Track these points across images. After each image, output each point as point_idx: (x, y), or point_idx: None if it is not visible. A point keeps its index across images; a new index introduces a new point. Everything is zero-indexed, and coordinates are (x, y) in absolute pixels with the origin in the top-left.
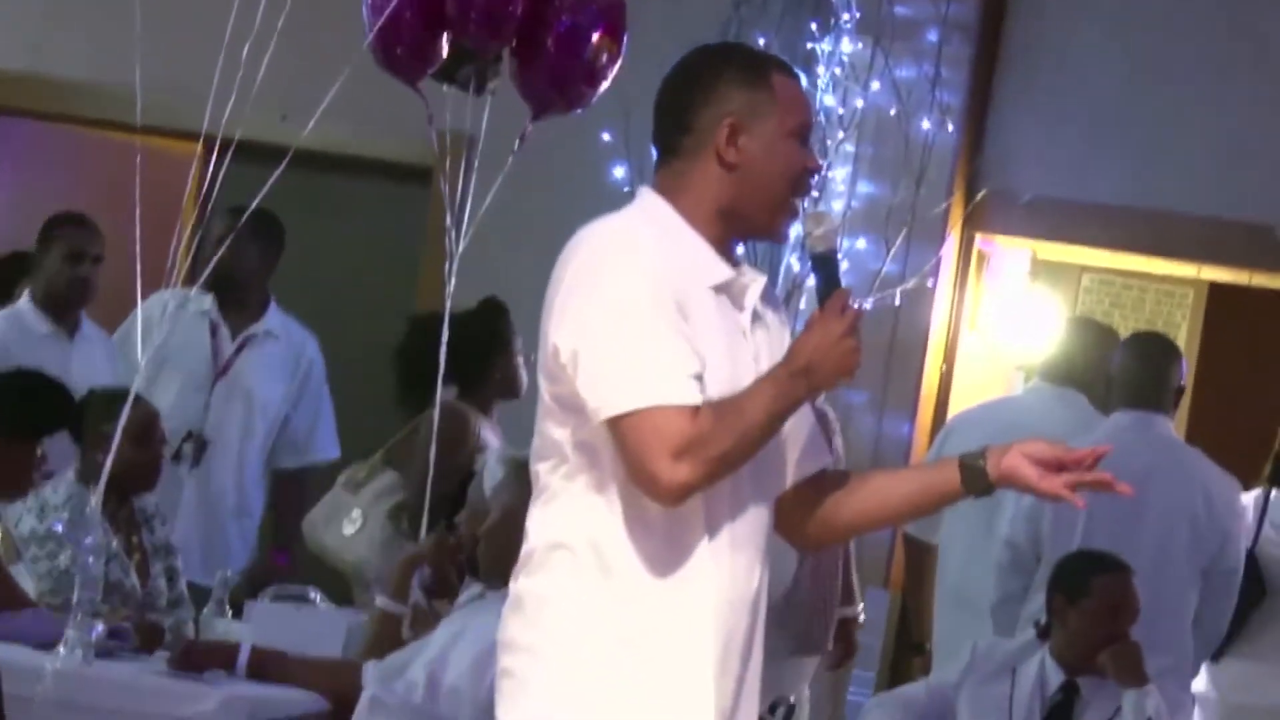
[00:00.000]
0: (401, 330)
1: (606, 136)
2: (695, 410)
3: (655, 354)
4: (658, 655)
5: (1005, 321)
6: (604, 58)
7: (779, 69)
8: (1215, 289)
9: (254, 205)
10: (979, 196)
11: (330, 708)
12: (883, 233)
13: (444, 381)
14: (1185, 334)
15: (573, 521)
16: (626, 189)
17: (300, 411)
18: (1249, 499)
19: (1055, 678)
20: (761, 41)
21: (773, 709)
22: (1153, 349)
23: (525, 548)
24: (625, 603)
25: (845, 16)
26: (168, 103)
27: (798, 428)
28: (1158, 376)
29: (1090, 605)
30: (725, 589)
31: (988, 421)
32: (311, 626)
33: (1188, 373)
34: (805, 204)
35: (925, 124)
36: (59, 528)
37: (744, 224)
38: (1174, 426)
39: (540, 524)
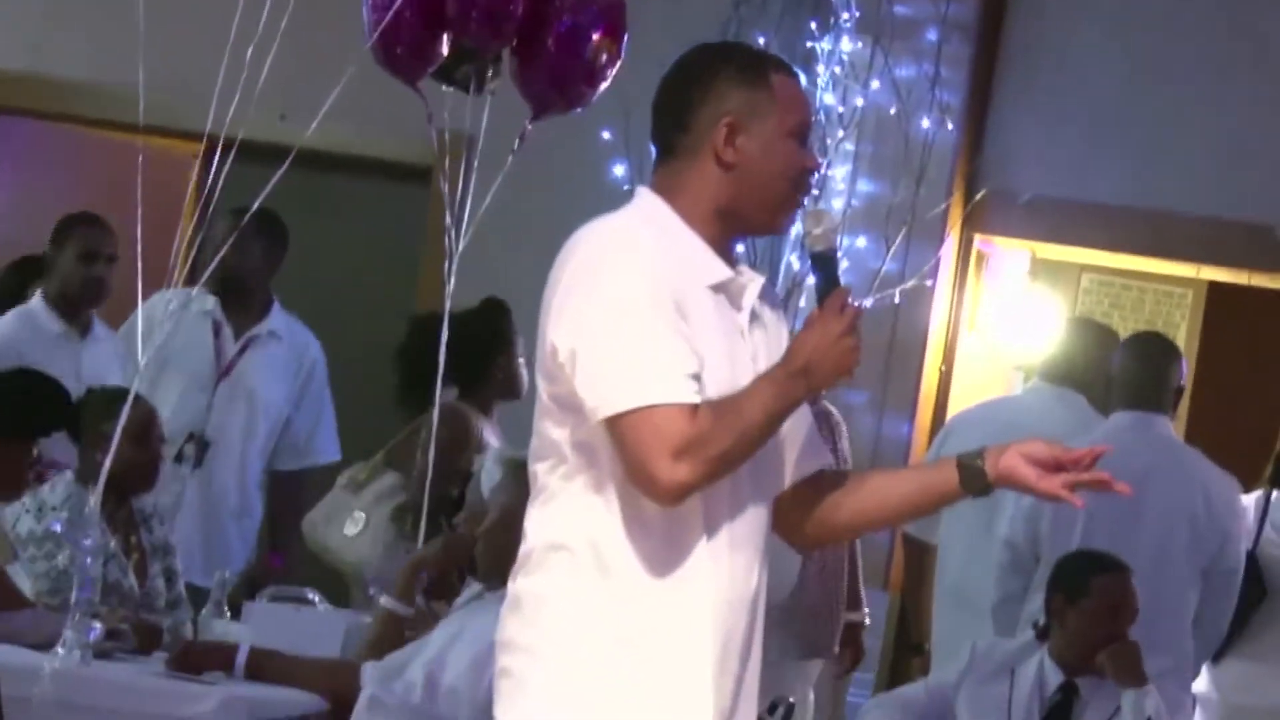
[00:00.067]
0: (401, 330)
1: (606, 135)
2: (694, 410)
3: (654, 353)
4: (656, 655)
5: (1005, 322)
6: (604, 58)
7: (778, 68)
8: (1215, 289)
9: (256, 205)
10: (978, 196)
11: (329, 708)
12: (883, 231)
13: (445, 382)
14: (1185, 334)
15: (571, 521)
16: (626, 188)
17: (301, 413)
18: (1250, 500)
19: (1054, 678)
20: (761, 40)
21: (772, 709)
22: (1152, 349)
23: (523, 548)
24: (624, 602)
25: (845, 16)
26: (167, 103)
27: (796, 427)
28: (1157, 377)
29: (1089, 605)
30: (724, 589)
31: (987, 422)
32: (310, 627)
33: (1187, 373)
34: (805, 202)
35: (925, 123)
36: (57, 528)
37: (742, 223)
38: (1174, 427)
39: (538, 524)
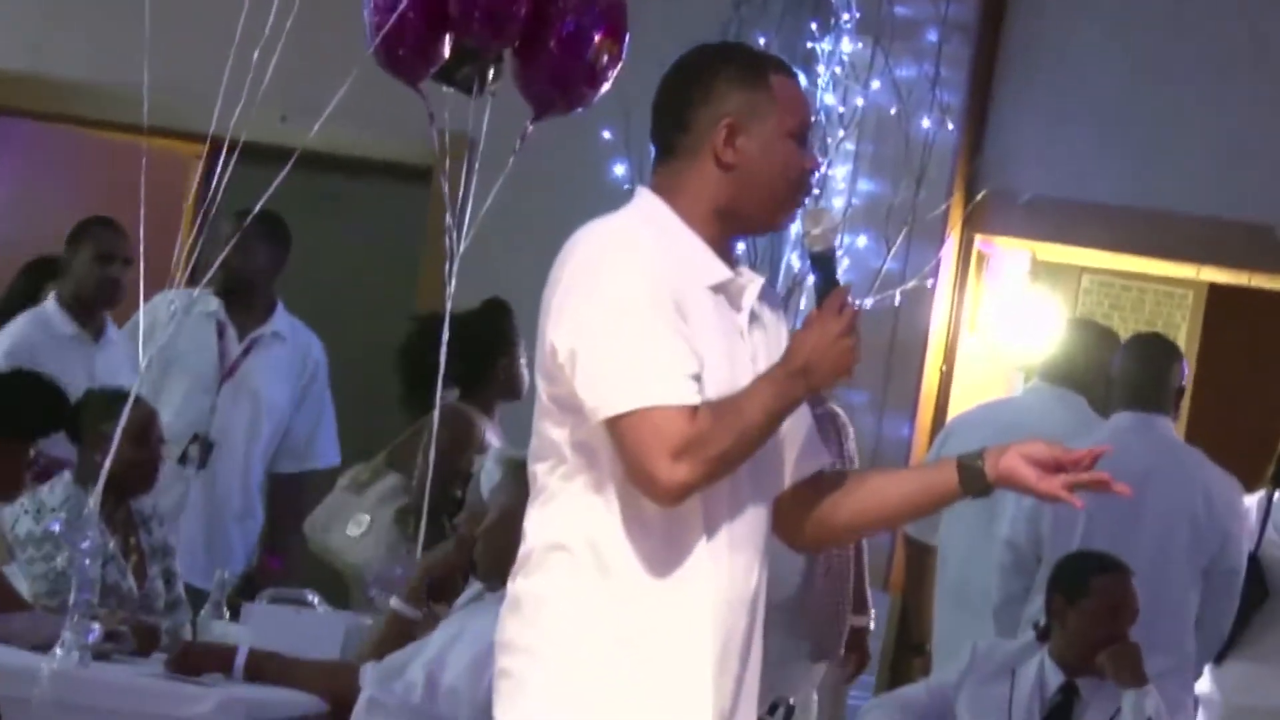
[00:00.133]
0: (401, 331)
1: (607, 135)
2: (694, 410)
3: (654, 354)
4: (656, 655)
5: (1005, 322)
6: (605, 58)
7: (777, 69)
8: (1215, 290)
9: (259, 207)
10: (979, 197)
11: (328, 709)
12: (883, 231)
13: (447, 382)
14: (1185, 335)
15: (571, 522)
16: (627, 187)
17: (302, 415)
18: (1252, 501)
19: (1054, 679)
20: (762, 41)
21: (772, 710)
22: (1153, 350)
23: (523, 548)
24: (623, 603)
25: (845, 16)
26: (168, 104)
27: (796, 428)
28: (1158, 377)
29: (1089, 605)
30: (724, 589)
31: (987, 422)
32: (309, 629)
33: (1188, 374)
34: (805, 202)
35: (925, 123)
36: (56, 529)
37: (742, 223)
38: (1175, 428)
39: (538, 525)
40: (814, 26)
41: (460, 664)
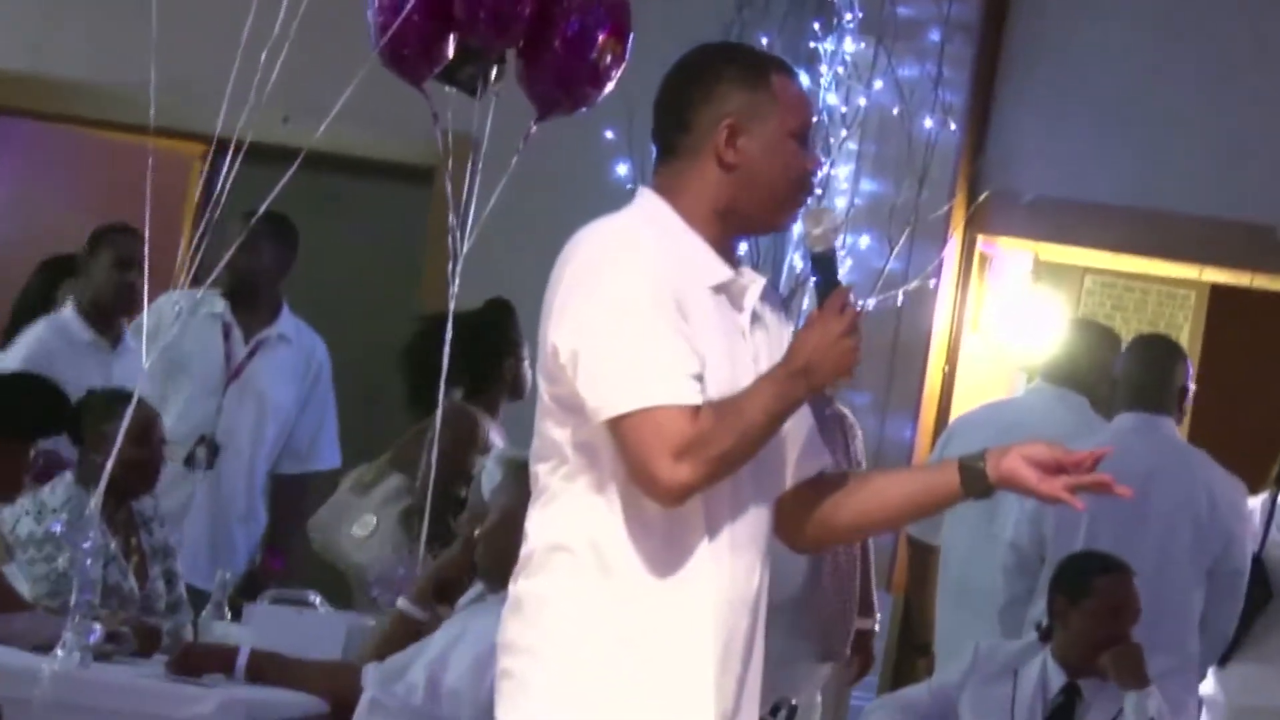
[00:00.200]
0: (404, 331)
1: (610, 135)
2: (696, 410)
3: (655, 354)
4: (658, 655)
5: (1007, 323)
6: (609, 58)
7: (779, 69)
8: (1217, 290)
9: (264, 207)
10: (981, 197)
11: (329, 710)
12: (886, 231)
13: (452, 382)
14: (1187, 335)
15: (573, 522)
16: (630, 187)
17: (306, 417)
18: (1256, 502)
19: (1057, 679)
20: (764, 41)
21: (774, 710)
22: (1157, 350)
23: (525, 549)
24: (625, 603)
25: (848, 16)
26: (170, 104)
27: (797, 428)
28: (1161, 378)
29: (1091, 606)
30: (725, 589)
31: (990, 423)
32: (311, 630)
33: (1192, 374)
34: (807, 202)
35: (928, 123)
36: (57, 529)
37: (744, 223)
38: (1180, 428)
39: (540, 525)
40: (816, 26)
41: (462, 665)
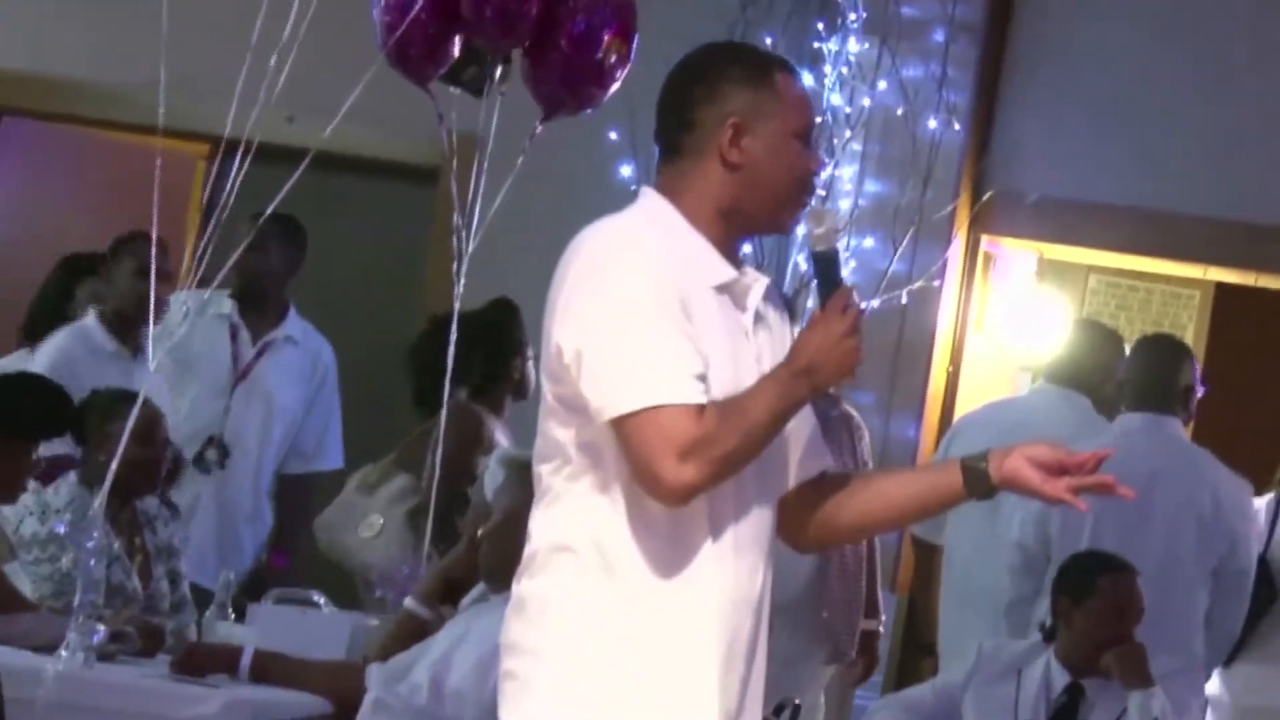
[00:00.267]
0: (408, 331)
1: (614, 136)
2: (700, 410)
3: (659, 353)
4: (661, 655)
5: (1012, 322)
6: (614, 58)
7: (782, 69)
8: (1222, 290)
9: (272, 207)
10: (985, 197)
11: (333, 710)
12: (890, 232)
13: (461, 382)
14: (1192, 335)
15: (576, 523)
16: (634, 188)
17: (311, 419)
18: (1261, 503)
19: (1060, 679)
20: (768, 41)
21: (778, 710)
22: (1162, 350)
23: (528, 549)
24: (628, 603)
25: (852, 16)
26: (174, 103)
27: (799, 428)
28: (1167, 378)
29: (1095, 606)
30: (729, 590)
31: (993, 423)
32: (315, 630)
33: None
34: (809, 202)
35: (932, 124)
36: (61, 529)
37: (747, 223)
38: (1189, 427)
39: (543, 526)
40: (820, 26)
41: (465, 665)
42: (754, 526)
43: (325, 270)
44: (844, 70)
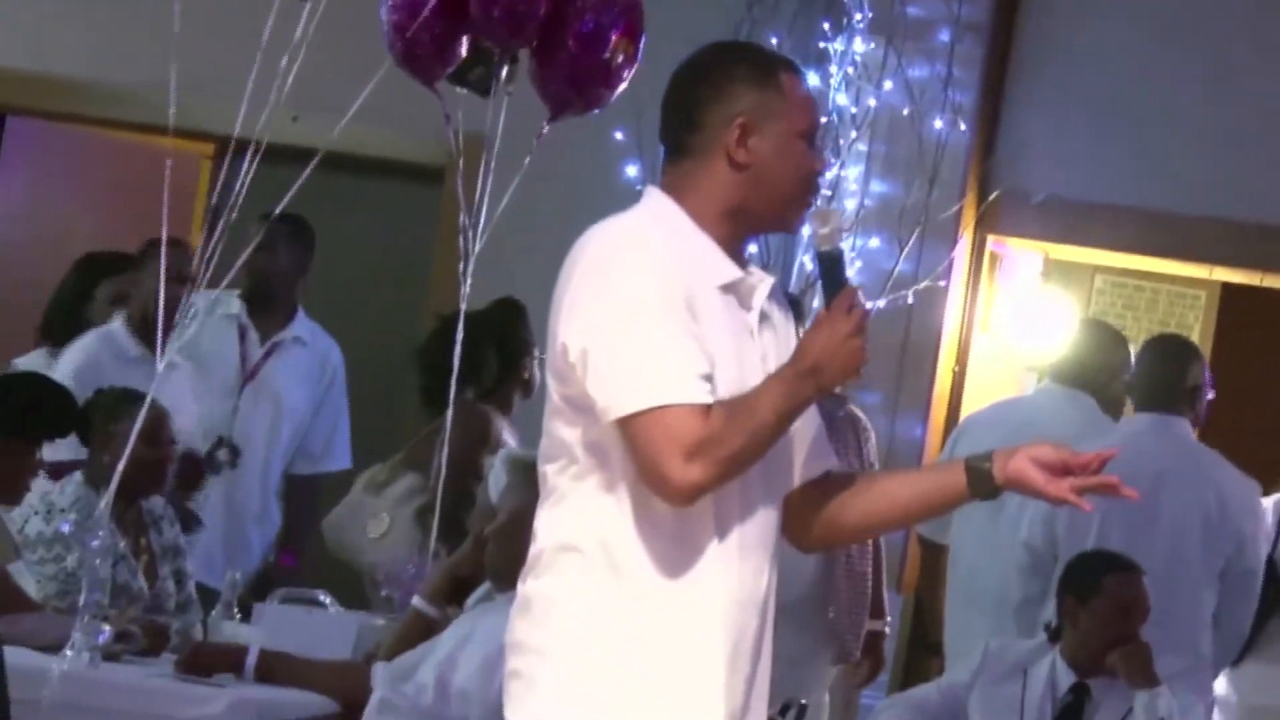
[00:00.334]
0: (413, 330)
1: (619, 136)
2: (706, 410)
3: (665, 353)
4: (667, 655)
5: (1018, 322)
6: (621, 58)
7: (787, 69)
8: (1228, 290)
9: (280, 208)
10: (991, 197)
11: (339, 710)
12: (896, 232)
13: (470, 381)
14: (1198, 335)
15: (582, 522)
16: (639, 188)
17: (320, 420)
18: (1269, 502)
19: (1066, 679)
20: (774, 41)
21: (784, 710)
22: (1169, 350)
23: (533, 549)
24: (634, 602)
25: (858, 16)
26: (180, 103)
27: (804, 428)
28: (1174, 378)
29: (1100, 605)
30: (734, 589)
31: (999, 422)
32: (320, 629)
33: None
34: (816, 202)
35: (938, 124)
36: (66, 529)
37: (753, 222)
38: (1198, 427)
39: (549, 525)
40: (826, 26)
41: (471, 665)
42: (759, 526)
43: (331, 270)
44: (849, 70)
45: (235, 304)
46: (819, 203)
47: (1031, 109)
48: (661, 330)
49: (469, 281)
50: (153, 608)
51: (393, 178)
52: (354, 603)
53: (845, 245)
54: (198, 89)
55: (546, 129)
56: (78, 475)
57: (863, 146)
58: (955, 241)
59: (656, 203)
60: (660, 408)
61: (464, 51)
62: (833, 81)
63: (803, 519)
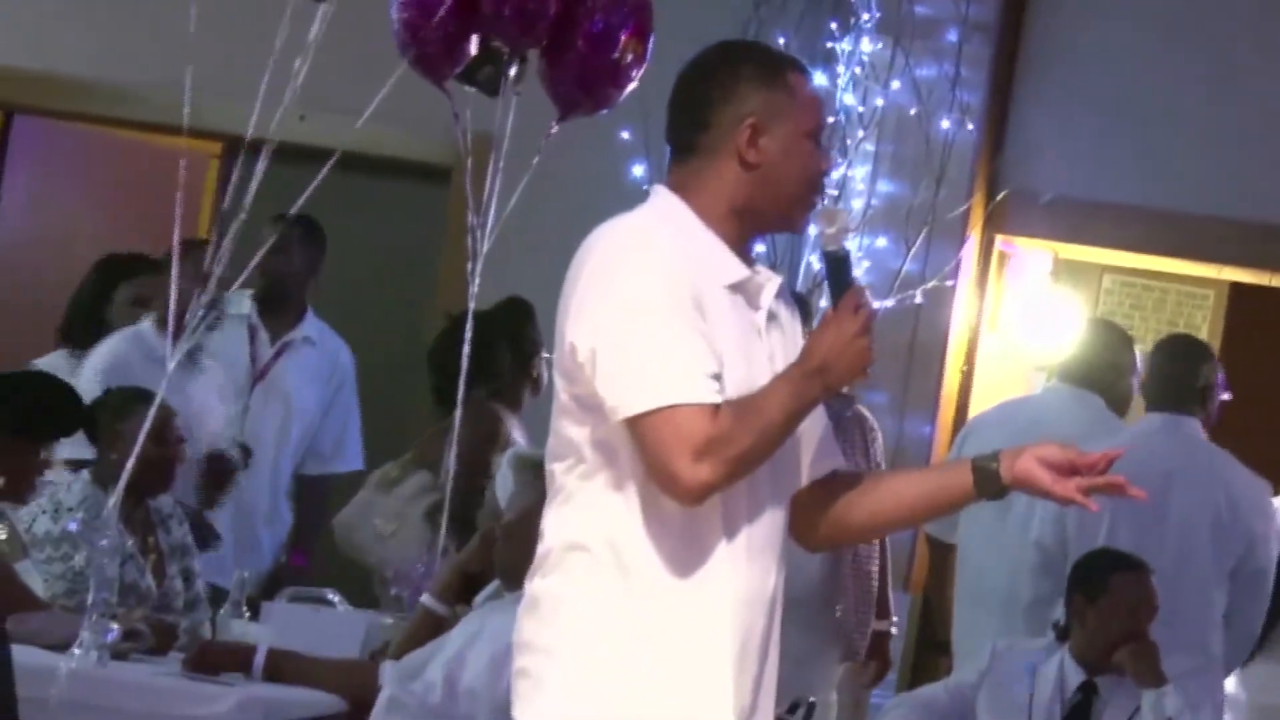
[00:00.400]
0: (420, 328)
1: (626, 135)
2: (715, 409)
3: (674, 352)
4: (675, 654)
5: (1026, 322)
6: (630, 58)
7: (794, 68)
8: (1236, 289)
9: (295, 209)
10: (999, 197)
11: (347, 709)
12: (903, 232)
13: (481, 380)
14: (1206, 335)
15: (590, 521)
16: (646, 188)
17: (329, 420)
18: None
19: (1075, 677)
20: (781, 41)
21: (792, 709)
22: (1180, 350)
23: (541, 548)
24: (642, 601)
25: (865, 16)
26: (180, 103)
27: (811, 428)
28: (1185, 378)
29: (1109, 604)
30: (742, 589)
31: (1006, 422)
32: (329, 628)
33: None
34: (820, 201)
35: (945, 123)
36: (74, 528)
37: (760, 222)
38: (1209, 427)
39: (557, 524)
40: (834, 26)
41: (479, 664)
42: (767, 526)
43: (339, 269)
44: (857, 70)
45: (246, 304)
46: (825, 202)
47: (1039, 108)
48: (670, 329)
49: (477, 281)
50: (161, 606)
51: (401, 177)
52: (363, 601)
53: (852, 245)
54: (205, 88)
55: (555, 129)
56: (85, 474)
57: (870, 146)
58: (963, 241)
59: (664, 202)
60: (669, 407)
61: (473, 50)
62: (840, 81)
63: (809, 518)
